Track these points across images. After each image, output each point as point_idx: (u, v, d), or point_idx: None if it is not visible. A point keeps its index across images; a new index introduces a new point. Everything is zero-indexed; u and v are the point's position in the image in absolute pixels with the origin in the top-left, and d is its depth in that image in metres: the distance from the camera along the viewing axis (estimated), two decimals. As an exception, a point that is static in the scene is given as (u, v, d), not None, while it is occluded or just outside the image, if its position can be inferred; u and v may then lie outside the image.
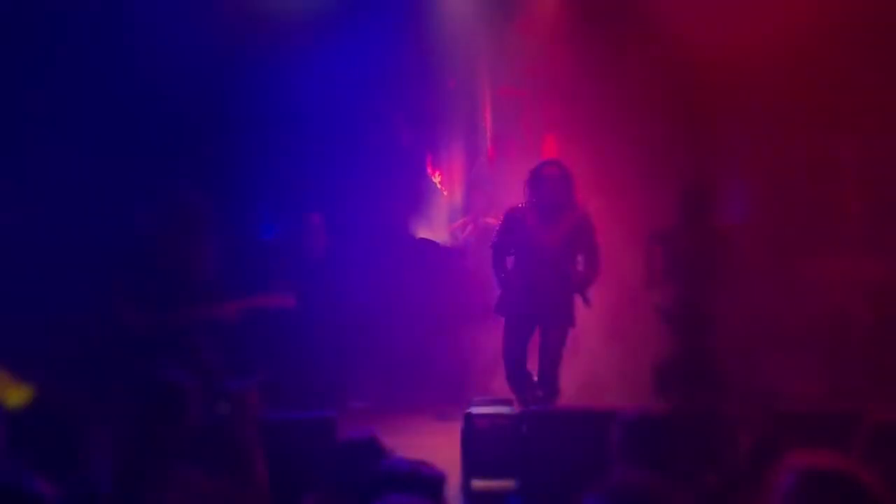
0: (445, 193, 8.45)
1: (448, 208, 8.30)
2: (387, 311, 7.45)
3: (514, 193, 7.67)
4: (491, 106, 8.58)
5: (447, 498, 2.63)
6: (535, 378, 5.34)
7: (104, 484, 3.17)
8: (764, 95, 7.08)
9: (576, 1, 7.98)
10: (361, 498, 2.44)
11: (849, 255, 6.79)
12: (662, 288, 5.32)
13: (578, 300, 5.31)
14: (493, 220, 6.40)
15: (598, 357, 6.90)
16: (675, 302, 5.21)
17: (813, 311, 6.53)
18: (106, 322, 4.50)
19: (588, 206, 5.46)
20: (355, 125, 8.25)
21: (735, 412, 4.43)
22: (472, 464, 4.31)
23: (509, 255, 5.27)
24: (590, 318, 7.02)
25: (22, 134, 6.79)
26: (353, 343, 7.11)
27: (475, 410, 4.45)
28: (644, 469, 2.88)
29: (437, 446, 5.33)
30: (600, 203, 6.28)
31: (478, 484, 4.27)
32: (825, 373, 6.23)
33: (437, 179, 8.52)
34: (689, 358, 5.06)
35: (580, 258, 5.24)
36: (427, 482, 2.46)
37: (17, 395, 3.91)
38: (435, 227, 8.13)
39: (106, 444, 3.47)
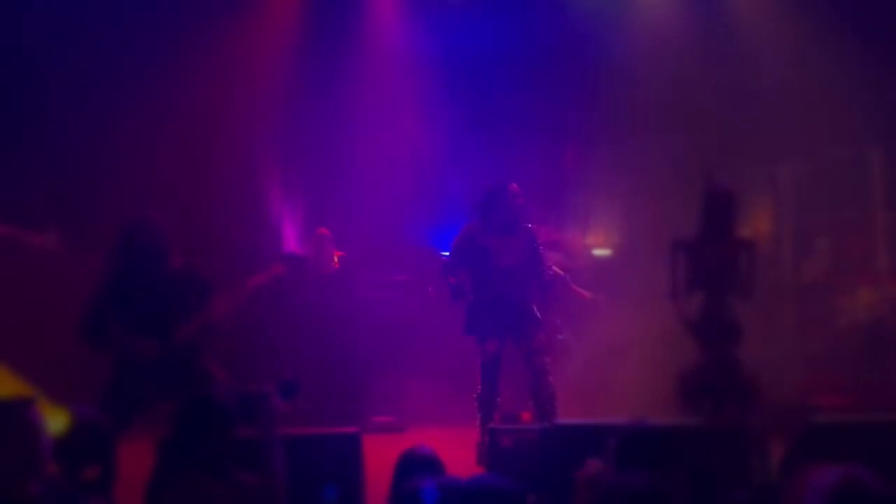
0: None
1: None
2: (405, 324, 7.45)
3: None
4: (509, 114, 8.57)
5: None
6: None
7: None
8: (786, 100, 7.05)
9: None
10: None
11: (878, 267, 6.73)
12: (687, 298, 5.26)
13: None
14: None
15: (621, 369, 6.85)
16: (700, 313, 5.15)
17: (843, 323, 6.46)
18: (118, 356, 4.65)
19: (535, 225, 5.74)
20: (374, 135, 8.28)
21: (764, 425, 4.37)
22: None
23: (459, 273, 5.48)
24: (613, 330, 7.00)
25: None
26: (373, 357, 7.10)
27: (498, 426, 4.42)
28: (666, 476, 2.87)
29: (460, 461, 5.31)
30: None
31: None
32: (855, 384, 6.15)
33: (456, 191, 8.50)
34: (714, 370, 4.99)
35: (534, 272, 5.50)
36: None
37: (55, 421, 3.98)
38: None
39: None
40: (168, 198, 6.85)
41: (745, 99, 7.28)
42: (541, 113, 8.32)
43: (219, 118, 7.46)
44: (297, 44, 7.88)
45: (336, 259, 6.96)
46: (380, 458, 4.54)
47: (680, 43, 7.55)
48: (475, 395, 5.60)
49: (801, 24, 7.16)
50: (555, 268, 6.31)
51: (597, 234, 7.95)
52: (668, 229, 6.43)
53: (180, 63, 7.25)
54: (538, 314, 5.55)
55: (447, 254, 5.78)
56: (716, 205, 5.16)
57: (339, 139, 8.10)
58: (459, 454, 5.54)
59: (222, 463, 3.15)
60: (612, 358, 7.01)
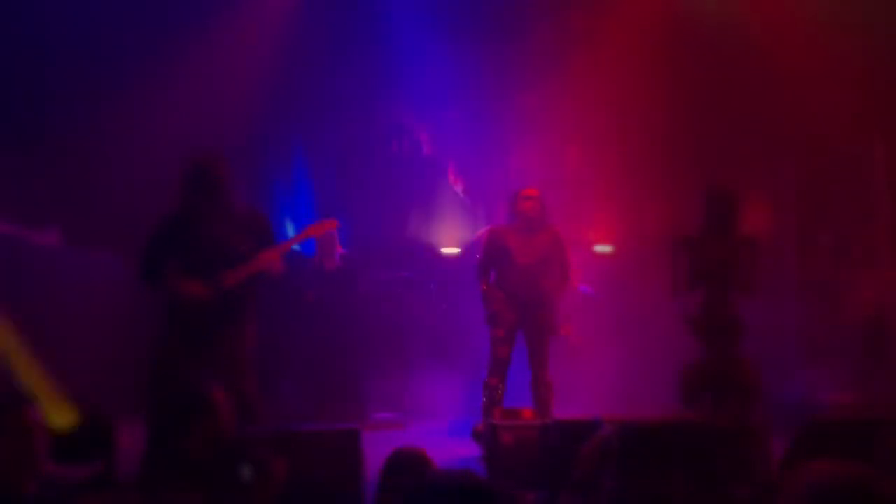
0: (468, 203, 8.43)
1: (471, 217, 8.27)
2: (407, 321, 7.46)
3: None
4: (514, 114, 8.56)
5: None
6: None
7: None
8: (792, 99, 7.03)
9: (598, 7, 7.98)
10: None
11: (881, 263, 6.70)
12: (688, 295, 5.25)
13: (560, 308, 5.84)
14: None
15: (623, 366, 6.85)
16: (702, 310, 5.14)
17: (845, 319, 6.45)
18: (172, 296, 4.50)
19: (559, 227, 6.02)
20: (375, 134, 8.29)
21: (765, 422, 4.36)
22: (498, 476, 4.27)
23: (492, 271, 5.81)
24: (617, 327, 6.99)
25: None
26: (374, 353, 7.10)
27: (500, 422, 4.40)
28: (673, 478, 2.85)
29: (460, 457, 5.31)
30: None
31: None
32: (858, 381, 6.13)
33: (459, 189, 8.51)
34: (716, 367, 4.99)
35: (555, 271, 5.77)
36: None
37: (63, 416, 3.97)
38: (457, 237, 8.11)
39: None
40: (171, 194, 6.85)
41: (746, 92, 7.25)
42: (543, 111, 8.33)
43: (224, 115, 7.46)
44: (301, 36, 7.88)
45: (339, 256, 6.95)
46: (380, 454, 4.54)
47: (680, 36, 7.54)
48: (483, 382, 5.72)
49: (806, 17, 7.14)
50: None
51: (598, 231, 7.95)
52: (671, 227, 6.46)
53: (183, 57, 7.23)
54: (554, 314, 5.73)
55: (480, 254, 5.94)
56: (718, 202, 5.16)
57: (343, 137, 8.11)
58: (459, 450, 5.54)
59: (201, 466, 3.05)
60: (615, 354, 7.02)
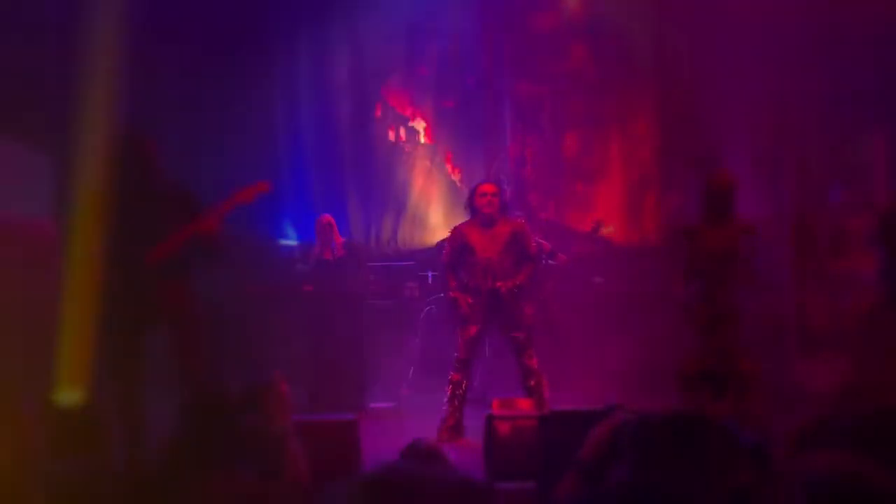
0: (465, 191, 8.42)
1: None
2: (405, 311, 7.45)
3: (535, 192, 7.60)
4: (511, 103, 8.54)
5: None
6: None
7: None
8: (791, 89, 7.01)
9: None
10: None
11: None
12: (687, 285, 5.23)
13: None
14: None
15: (620, 356, 6.84)
16: (700, 299, 5.12)
17: (842, 308, 6.43)
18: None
19: (522, 218, 6.08)
20: (372, 123, 8.27)
21: (763, 412, 4.35)
22: (496, 467, 4.25)
23: (459, 271, 5.80)
24: (614, 317, 6.97)
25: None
26: (373, 343, 7.10)
27: (497, 412, 4.38)
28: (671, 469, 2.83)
29: (459, 449, 5.31)
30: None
31: (503, 486, 4.21)
32: (857, 371, 6.12)
33: (456, 177, 8.49)
34: (714, 356, 4.97)
35: (519, 261, 5.73)
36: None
37: (70, 396, 3.95)
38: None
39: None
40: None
41: (746, 81, 7.23)
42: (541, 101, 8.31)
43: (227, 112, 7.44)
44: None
45: (339, 246, 6.94)
46: (378, 445, 4.54)
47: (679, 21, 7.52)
48: (448, 377, 5.75)
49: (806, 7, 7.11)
50: (539, 240, 6.37)
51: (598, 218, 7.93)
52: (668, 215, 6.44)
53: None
54: (522, 307, 5.71)
55: (444, 253, 5.93)
56: (717, 191, 5.12)
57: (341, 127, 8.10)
58: (460, 441, 5.55)
59: (232, 461, 3.03)
60: (613, 344, 7.01)
